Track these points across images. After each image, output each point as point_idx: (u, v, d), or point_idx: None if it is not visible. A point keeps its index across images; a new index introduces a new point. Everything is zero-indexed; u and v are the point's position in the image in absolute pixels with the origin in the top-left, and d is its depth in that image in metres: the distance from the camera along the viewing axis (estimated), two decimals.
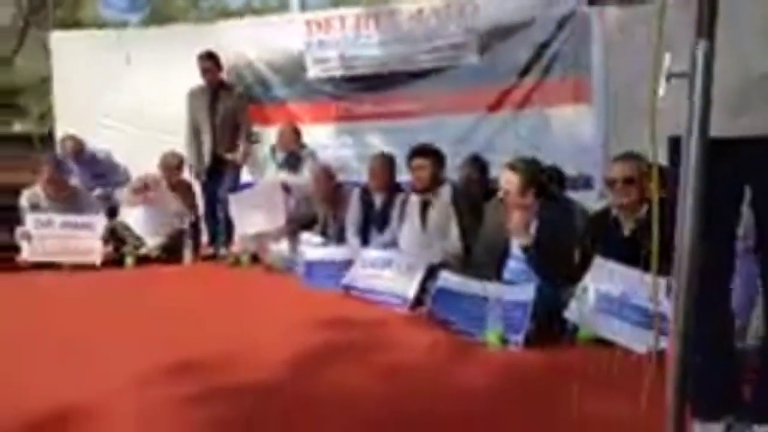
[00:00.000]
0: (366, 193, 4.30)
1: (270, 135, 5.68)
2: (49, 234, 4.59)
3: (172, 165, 5.06)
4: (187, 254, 4.86)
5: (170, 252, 4.89)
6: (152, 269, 4.69)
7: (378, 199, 4.23)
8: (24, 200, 4.77)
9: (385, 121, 5.84)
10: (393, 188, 4.23)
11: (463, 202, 3.55)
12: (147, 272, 4.60)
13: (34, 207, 4.76)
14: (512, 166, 2.99)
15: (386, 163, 4.27)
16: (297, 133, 5.19)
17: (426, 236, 3.68)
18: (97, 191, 5.23)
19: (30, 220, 4.65)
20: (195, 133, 5.01)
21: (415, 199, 3.82)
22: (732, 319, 1.56)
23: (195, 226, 5.08)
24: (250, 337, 2.67)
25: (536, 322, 2.51)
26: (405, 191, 4.13)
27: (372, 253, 3.63)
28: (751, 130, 1.38)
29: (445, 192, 3.67)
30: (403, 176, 4.37)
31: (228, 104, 4.98)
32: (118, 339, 2.65)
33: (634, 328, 2.40)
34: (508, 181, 2.96)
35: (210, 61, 4.98)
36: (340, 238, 4.29)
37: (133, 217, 4.90)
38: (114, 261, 4.72)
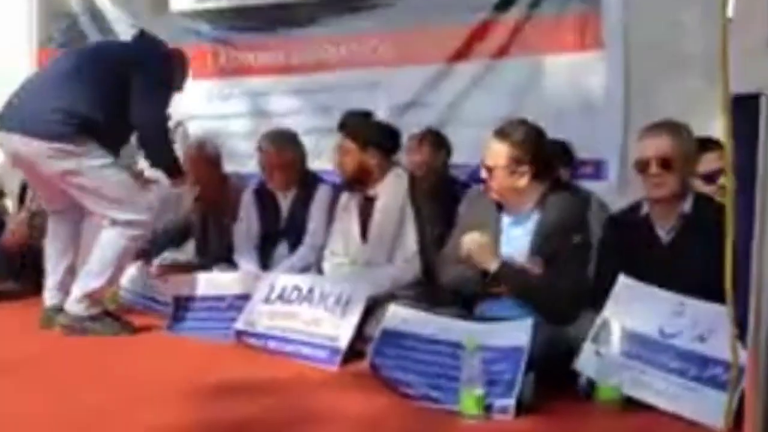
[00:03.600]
0: (264, 193, 4.27)
1: None
2: None
3: None
4: None
5: None
6: None
7: (284, 201, 4.21)
8: None
9: (290, 76, 5.79)
10: (307, 183, 4.21)
11: (424, 200, 3.55)
12: None
13: None
14: (501, 133, 3.03)
15: (290, 144, 4.24)
16: None
17: (366, 251, 3.68)
18: None
19: None
20: None
21: (349, 197, 3.80)
22: None
23: None
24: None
25: (533, 378, 2.55)
26: (326, 185, 4.12)
27: (281, 279, 3.58)
28: None
29: (398, 184, 3.65)
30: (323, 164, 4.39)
31: None
32: None
33: (684, 383, 2.47)
34: (494, 154, 2.99)
35: None
36: (228, 260, 4.22)
37: None
38: None
